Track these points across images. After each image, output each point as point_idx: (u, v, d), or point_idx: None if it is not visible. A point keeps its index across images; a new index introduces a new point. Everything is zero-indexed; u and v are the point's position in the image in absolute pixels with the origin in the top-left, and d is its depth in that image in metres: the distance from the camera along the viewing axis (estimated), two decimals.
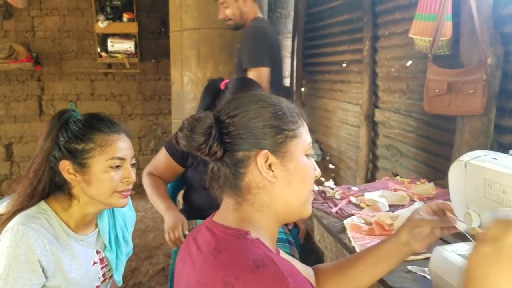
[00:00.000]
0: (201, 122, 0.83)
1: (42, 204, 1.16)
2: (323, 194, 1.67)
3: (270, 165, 0.83)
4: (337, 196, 1.64)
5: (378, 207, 1.49)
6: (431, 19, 1.95)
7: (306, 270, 1.07)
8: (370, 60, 3.16)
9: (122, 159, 1.16)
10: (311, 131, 4.21)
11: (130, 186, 1.19)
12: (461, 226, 0.92)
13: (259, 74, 2.42)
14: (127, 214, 1.39)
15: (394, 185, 1.72)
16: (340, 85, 3.81)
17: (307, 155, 0.89)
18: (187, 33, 3.60)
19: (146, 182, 1.86)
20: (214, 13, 3.65)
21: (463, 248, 0.99)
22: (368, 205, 1.53)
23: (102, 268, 1.27)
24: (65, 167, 1.13)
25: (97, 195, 1.15)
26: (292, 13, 4.80)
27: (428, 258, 1.05)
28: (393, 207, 1.48)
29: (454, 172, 0.94)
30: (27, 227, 1.07)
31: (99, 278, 1.26)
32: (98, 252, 1.26)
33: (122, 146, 1.17)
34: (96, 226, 1.27)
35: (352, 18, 3.47)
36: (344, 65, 3.70)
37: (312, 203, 1.62)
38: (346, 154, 3.75)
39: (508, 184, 0.79)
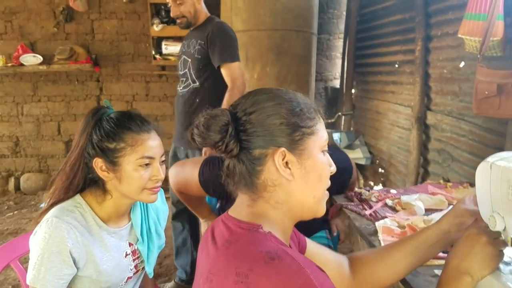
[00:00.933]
0: (217, 120, 0.82)
1: (78, 198, 1.23)
2: (359, 196, 1.64)
3: (287, 163, 0.83)
4: (373, 198, 1.60)
5: (414, 210, 1.44)
6: (481, 19, 1.87)
7: (338, 259, 1.05)
8: (423, 61, 3.06)
9: (151, 158, 1.20)
10: (361, 133, 4.14)
11: (159, 183, 1.23)
12: None
13: (237, 68, 2.39)
14: (160, 209, 1.43)
15: (434, 189, 1.66)
16: (392, 87, 3.72)
17: (323, 151, 0.88)
18: (237, 35, 3.66)
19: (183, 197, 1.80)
20: (264, 15, 3.70)
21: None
22: (403, 208, 1.48)
23: (134, 260, 1.31)
24: (98, 164, 1.19)
25: (128, 192, 1.20)
26: (344, 13, 4.75)
27: None
28: (430, 211, 1.43)
29: (480, 173, 0.89)
30: (60, 220, 1.13)
31: (131, 270, 1.30)
32: (130, 245, 1.31)
33: (152, 145, 1.21)
34: (129, 219, 1.32)
35: (404, 18, 3.37)
36: (396, 65, 3.60)
37: (347, 204, 1.61)
38: (396, 158, 3.65)
39: None
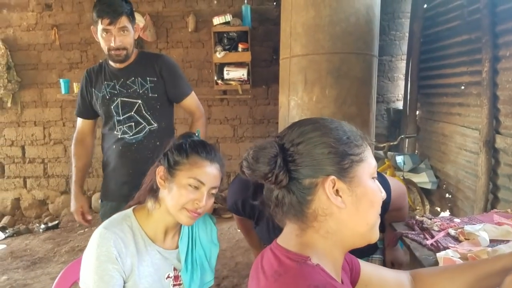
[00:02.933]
0: (266, 151, 0.83)
1: (129, 212, 1.33)
2: (420, 225, 1.59)
3: (337, 191, 0.82)
4: (435, 227, 1.55)
5: (478, 241, 1.37)
6: None
7: (398, 277, 1.02)
8: (490, 82, 2.93)
9: (201, 182, 1.27)
10: (426, 156, 4.00)
11: (200, 210, 1.28)
12: None
13: (195, 96, 2.37)
14: (209, 246, 1.47)
15: (500, 219, 1.57)
16: (458, 108, 3.58)
17: (373, 178, 0.87)
18: (296, 59, 3.71)
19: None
20: (323, 39, 3.71)
21: None
22: (467, 239, 1.42)
23: (175, 285, 1.36)
24: (160, 172, 1.30)
25: (170, 205, 1.28)
26: (406, 35, 4.66)
27: None
28: (495, 242, 1.36)
29: None
30: (108, 231, 1.23)
31: None
32: (175, 270, 1.37)
33: (208, 171, 1.28)
34: (177, 246, 1.38)
35: (470, 38, 3.26)
36: (463, 87, 3.47)
37: (407, 233, 1.57)
38: (464, 183, 3.48)
39: None
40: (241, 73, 4.41)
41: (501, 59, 2.84)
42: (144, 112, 2.17)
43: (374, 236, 0.87)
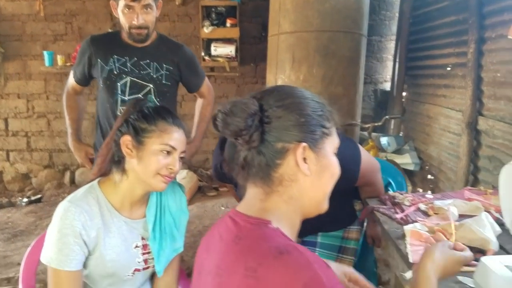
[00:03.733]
0: (245, 106, 0.82)
1: (94, 184, 1.32)
2: (392, 199, 1.60)
3: (305, 159, 0.83)
4: (406, 202, 1.56)
5: (447, 216, 1.38)
6: None
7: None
8: (475, 64, 2.92)
9: (173, 148, 1.28)
10: (411, 138, 4.02)
11: (173, 175, 1.31)
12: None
13: (207, 81, 2.39)
14: (178, 213, 1.46)
15: (471, 195, 1.58)
16: (443, 90, 3.58)
17: (335, 153, 0.90)
18: (284, 36, 3.67)
19: None
20: (312, 16, 3.67)
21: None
22: (436, 213, 1.43)
23: (143, 254, 1.36)
24: (125, 141, 1.28)
25: (143, 173, 1.27)
26: (396, 15, 4.62)
27: None
28: (464, 217, 1.37)
29: (504, 176, 0.85)
30: (73, 204, 1.23)
31: (139, 263, 1.36)
32: (143, 239, 1.37)
33: (177, 137, 1.30)
34: (145, 215, 1.38)
35: (458, 19, 3.24)
36: (449, 68, 3.46)
37: (379, 207, 1.57)
38: (446, 165, 3.50)
39: None
40: (229, 50, 4.36)
41: (487, 40, 2.83)
42: (153, 96, 2.13)
43: (325, 206, 0.91)
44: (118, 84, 2.08)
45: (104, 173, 1.35)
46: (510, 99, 2.54)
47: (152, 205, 1.39)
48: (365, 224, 1.88)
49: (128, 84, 2.10)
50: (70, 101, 2.27)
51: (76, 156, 2.29)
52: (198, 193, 4.66)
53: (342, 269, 1.09)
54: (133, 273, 1.35)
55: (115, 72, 2.08)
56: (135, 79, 2.09)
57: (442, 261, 0.89)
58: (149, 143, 1.26)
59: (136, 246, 1.35)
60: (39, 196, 4.61)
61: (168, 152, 1.28)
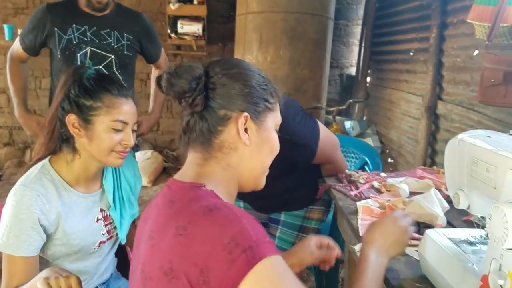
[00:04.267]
0: (191, 70, 0.82)
1: (46, 164, 1.23)
2: (348, 178, 1.63)
3: (246, 129, 0.85)
4: (361, 180, 1.59)
5: (399, 193, 1.42)
6: (491, 4, 1.80)
7: None
8: (437, 49, 2.99)
9: (124, 122, 1.21)
10: (373, 122, 4.07)
11: (128, 149, 1.25)
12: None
13: (164, 53, 2.35)
14: (133, 179, 1.43)
15: (423, 173, 1.62)
16: (405, 75, 3.65)
17: (276, 130, 0.92)
18: (251, 16, 3.63)
19: None
20: None
21: (456, 232, 0.92)
22: (388, 190, 1.46)
23: (106, 225, 1.33)
24: (71, 121, 1.19)
25: (96, 152, 1.21)
26: None
27: None
28: (415, 194, 1.40)
29: (449, 149, 0.87)
30: (28, 188, 1.15)
31: (103, 234, 1.32)
32: (102, 210, 1.33)
33: (127, 110, 1.22)
34: (101, 185, 1.33)
35: (422, 4, 3.29)
36: (411, 54, 3.52)
37: (335, 185, 1.59)
38: (405, 148, 3.59)
39: (491, 162, 0.72)
40: (196, 28, 4.27)
41: (448, 25, 2.89)
42: (115, 68, 2.05)
43: (262, 182, 0.93)
44: (78, 54, 1.99)
45: (52, 151, 1.28)
46: (469, 84, 2.61)
47: (109, 175, 1.35)
48: (332, 206, 1.90)
49: (88, 54, 2.00)
50: (15, 69, 2.12)
51: (26, 128, 2.15)
52: (163, 174, 4.61)
53: (314, 240, 1.17)
54: (99, 246, 1.32)
55: (74, 42, 1.99)
56: (95, 49, 2.01)
57: (383, 239, 0.91)
58: (97, 122, 1.18)
59: (98, 219, 1.31)
60: None
61: (120, 128, 1.20)
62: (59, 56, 2.00)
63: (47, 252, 1.23)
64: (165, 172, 4.66)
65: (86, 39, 1.99)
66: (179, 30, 4.28)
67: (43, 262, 1.23)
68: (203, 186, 0.81)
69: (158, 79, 0.85)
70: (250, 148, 0.86)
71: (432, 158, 3.10)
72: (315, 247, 1.17)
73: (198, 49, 4.47)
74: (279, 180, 1.59)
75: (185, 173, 0.87)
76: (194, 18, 4.29)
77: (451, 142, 0.87)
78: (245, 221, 0.71)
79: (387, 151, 3.99)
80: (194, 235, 0.71)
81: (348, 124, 4.11)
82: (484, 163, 0.74)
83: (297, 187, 1.74)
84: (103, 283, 1.41)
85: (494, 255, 0.69)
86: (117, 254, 1.46)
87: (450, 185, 0.88)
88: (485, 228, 0.87)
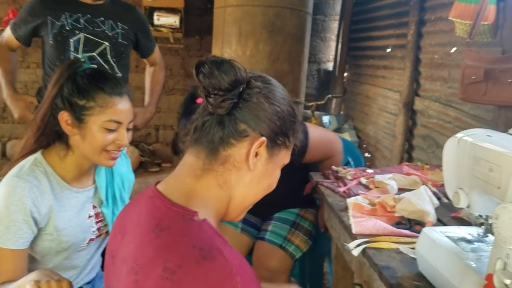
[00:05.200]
0: (238, 71, 0.75)
1: (39, 157, 1.20)
2: (335, 174, 1.63)
3: (257, 154, 0.79)
4: (348, 176, 1.59)
5: (387, 189, 1.43)
6: (473, 2, 1.83)
7: None
8: (414, 46, 3.03)
9: (118, 122, 1.18)
10: (350, 117, 4.11)
11: (121, 149, 1.22)
12: None
13: (157, 48, 2.38)
14: (126, 176, 1.41)
15: (409, 170, 1.64)
16: (383, 71, 3.69)
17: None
18: (230, 9, 3.59)
19: None
20: None
21: (453, 230, 0.93)
22: (376, 187, 1.47)
23: (97, 222, 1.30)
24: (64, 118, 1.16)
25: (88, 151, 1.18)
26: None
27: None
28: (402, 191, 1.42)
29: (448, 148, 0.88)
30: (20, 179, 1.11)
31: (94, 232, 1.29)
32: (94, 207, 1.30)
33: (122, 109, 1.18)
34: (94, 181, 1.31)
35: (400, 0, 3.33)
36: (389, 50, 3.57)
37: (322, 181, 1.59)
38: (382, 143, 3.64)
39: (494, 161, 0.73)
40: (172, 20, 4.19)
41: (426, 22, 2.93)
42: (109, 56, 2.03)
43: (242, 216, 0.88)
44: (71, 40, 1.97)
45: (44, 145, 1.23)
46: (446, 80, 2.66)
47: (101, 170, 1.32)
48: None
49: (81, 40, 1.98)
50: (4, 52, 2.07)
51: (15, 110, 2.06)
52: (140, 169, 4.54)
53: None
54: (88, 243, 1.29)
55: (67, 28, 1.96)
56: (89, 35, 1.99)
57: None
58: (90, 121, 1.15)
59: (90, 216, 1.28)
60: None
61: (114, 128, 1.17)
62: (50, 42, 1.97)
63: (35, 248, 1.19)
64: (141, 166, 4.59)
65: (79, 26, 1.99)
66: (156, 22, 4.20)
67: (30, 260, 1.19)
68: (195, 214, 0.74)
69: (201, 63, 0.76)
70: (252, 174, 0.81)
71: (409, 153, 3.15)
72: None
73: (175, 41, 4.40)
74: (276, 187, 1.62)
75: (177, 185, 0.80)
76: (171, 10, 4.22)
77: (450, 141, 0.87)
78: (239, 280, 0.66)
79: (364, 145, 4.03)
80: (182, 284, 0.66)
81: (325, 118, 4.14)
82: (487, 163, 0.75)
83: (293, 192, 1.74)
84: (88, 283, 1.37)
85: (499, 254, 0.69)
86: (102, 254, 1.42)
87: (449, 183, 0.89)
88: (482, 226, 0.88)
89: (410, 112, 3.09)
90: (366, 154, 4.00)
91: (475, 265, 0.80)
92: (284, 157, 0.85)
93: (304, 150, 1.53)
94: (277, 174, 0.86)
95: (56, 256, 1.22)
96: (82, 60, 1.24)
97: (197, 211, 0.74)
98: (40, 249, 1.19)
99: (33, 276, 0.99)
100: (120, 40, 2.05)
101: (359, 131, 4.18)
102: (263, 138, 0.78)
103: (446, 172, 0.89)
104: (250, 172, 0.80)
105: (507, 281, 0.67)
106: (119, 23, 2.05)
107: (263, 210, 1.91)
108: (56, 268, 1.19)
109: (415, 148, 3.07)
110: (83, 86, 1.16)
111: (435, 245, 0.88)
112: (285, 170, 1.77)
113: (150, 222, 0.75)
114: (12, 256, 1.09)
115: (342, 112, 4.62)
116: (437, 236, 0.91)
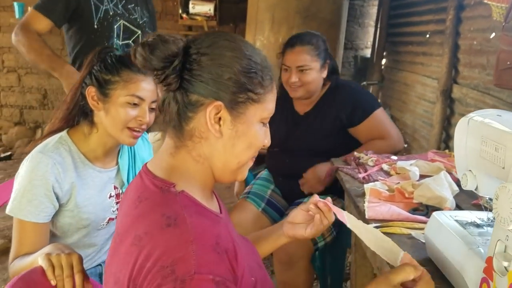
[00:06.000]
0: (166, 46, 0.75)
1: (64, 135, 1.26)
2: (357, 160, 1.60)
3: (220, 119, 0.78)
4: (370, 163, 1.56)
5: (409, 175, 1.39)
6: None
7: None
8: (453, 31, 2.90)
9: (141, 98, 1.22)
10: (387, 105, 4.02)
11: (144, 127, 1.25)
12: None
13: None
14: (147, 160, 1.43)
15: (434, 156, 1.59)
16: (421, 58, 3.57)
17: (263, 123, 0.83)
18: None
19: None
20: None
21: (463, 215, 0.90)
22: (398, 173, 1.44)
23: (117, 202, 1.35)
24: (90, 93, 1.22)
25: (111, 126, 1.22)
26: None
27: None
28: (425, 177, 1.38)
29: (459, 129, 0.85)
30: (45, 155, 1.17)
31: (114, 212, 1.34)
32: (115, 188, 1.35)
33: (145, 87, 1.23)
34: (117, 163, 1.35)
35: None
36: (427, 36, 3.44)
37: (343, 167, 1.57)
38: (419, 133, 3.53)
39: (500, 141, 0.69)
40: (207, 8, 4.22)
41: (465, 7, 2.80)
42: (119, 43, 2.02)
43: (241, 175, 0.85)
44: (115, 26, 1.97)
45: (71, 124, 1.30)
46: (484, 67, 2.54)
47: (125, 152, 1.38)
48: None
49: (121, 27, 1.98)
50: (36, 38, 1.94)
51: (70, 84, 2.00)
52: None
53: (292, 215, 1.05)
54: (107, 222, 1.34)
55: (111, 13, 1.96)
56: (127, 23, 2.00)
57: None
58: (114, 95, 1.21)
59: (111, 196, 1.34)
60: (9, 153, 4.52)
61: (136, 104, 1.22)
62: (95, 26, 1.96)
63: (56, 224, 1.25)
64: None
65: (119, 12, 1.98)
66: (191, 10, 4.24)
67: (51, 235, 1.25)
68: (172, 186, 0.76)
69: (134, 51, 0.77)
70: (222, 141, 0.79)
71: (446, 143, 3.04)
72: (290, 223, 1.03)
73: (209, 30, 4.42)
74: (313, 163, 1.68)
75: (159, 162, 0.82)
76: None
77: (461, 121, 0.84)
78: (195, 248, 0.66)
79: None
80: (144, 249, 0.68)
81: None
82: (493, 142, 0.72)
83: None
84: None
85: (499, 236, 0.67)
86: None
87: (459, 166, 0.86)
88: (492, 211, 0.84)
89: (448, 100, 2.98)
90: (404, 145, 3.89)
91: (480, 249, 0.77)
92: (258, 111, 0.81)
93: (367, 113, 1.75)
94: (255, 131, 0.81)
95: (76, 233, 1.28)
96: (115, 47, 1.30)
97: (176, 183, 0.77)
98: (61, 225, 1.25)
99: (46, 249, 1.04)
100: (146, 29, 2.06)
101: (396, 120, 4.07)
102: (216, 103, 0.76)
103: (457, 153, 0.86)
104: (219, 139, 0.79)
105: (506, 264, 0.64)
106: (144, 12, 2.05)
107: (290, 193, 1.92)
108: (75, 245, 1.25)
109: (452, 137, 2.95)
110: (110, 64, 1.22)
111: (442, 229, 0.86)
112: (314, 157, 1.85)
113: (133, 195, 0.79)
114: (33, 229, 1.15)
115: (379, 101, 4.51)
116: (446, 220, 0.88)
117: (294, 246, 1.71)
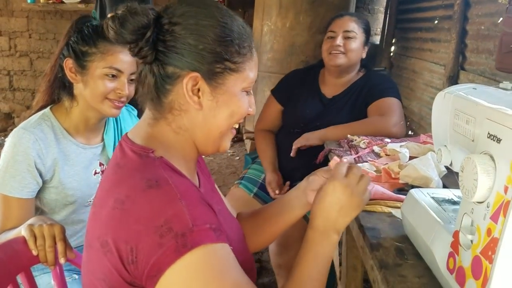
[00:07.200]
0: (136, 19, 0.73)
1: (47, 111, 1.27)
2: (349, 142, 1.59)
3: (198, 90, 0.77)
4: (362, 145, 1.55)
5: (398, 157, 1.38)
6: None
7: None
8: (461, 16, 2.84)
9: (119, 70, 1.21)
10: None
11: (123, 99, 1.25)
12: None
13: None
14: None
15: (426, 138, 1.57)
16: (430, 44, 3.50)
17: (246, 92, 0.82)
18: None
19: (257, 141, 2.04)
20: None
21: (442, 192, 0.89)
22: (388, 155, 1.42)
23: None
24: (68, 65, 1.22)
25: (90, 99, 1.23)
26: None
27: None
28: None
29: (436, 105, 0.83)
30: (27, 131, 1.19)
31: None
32: (101, 164, 1.36)
33: (123, 59, 1.21)
34: (102, 139, 1.36)
35: None
36: (436, 21, 3.37)
37: (335, 149, 1.56)
38: (426, 120, 3.48)
39: (471, 113, 0.68)
40: None
41: None
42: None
43: (224, 145, 0.83)
44: None
45: (53, 100, 1.31)
46: (491, 52, 2.48)
47: (110, 129, 1.38)
48: None
49: None
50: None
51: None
52: None
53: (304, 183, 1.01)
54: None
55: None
56: None
57: (326, 211, 0.79)
58: (92, 67, 1.20)
59: (96, 173, 1.34)
60: None
61: (114, 75, 1.21)
62: None
63: (43, 201, 1.27)
64: None
65: None
66: None
67: (39, 213, 1.27)
68: (151, 152, 0.76)
69: (106, 25, 0.76)
70: (202, 112, 0.78)
71: None
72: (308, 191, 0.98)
73: None
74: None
75: (137, 132, 0.81)
76: None
77: (438, 95, 0.83)
78: (185, 203, 0.67)
79: (408, 123, 3.88)
80: (129, 212, 0.68)
81: None
82: (465, 115, 0.70)
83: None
84: None
85: (466, 209, 0.66)
86: None
87: (436, 141, 0.84)
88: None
89: None
90: (409, 132, 3.84)
91: (452, 225, 0.76)
92: (238, 81, 0.79)
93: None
94: (236, 100, 0.80)
95: (63, 209, 1.30)
96: (92, 16, 1.29)
97: (154, 149, 0.76)
98: (47, 201, 1.27)
99: (29, 221, 1.06)
100: None
101: (403, 108, 4.01)
102: (193, 74, 0.75)
103: (433, 129, 0.85)
104: (199, 111, 0.78)
105: (470, 237, 0.63)
106: None
107: (287, 173, 1.91)
108: (63, 221, 1.26)
109: None
110: (87, 35, 1.21)
111: (417, 205, 0.85)
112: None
113: (113, 162, 0.79)
114: (18, 204, 1.17)
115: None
116: (422, 197, 0.87)
117: (290, 229, 1.71)
